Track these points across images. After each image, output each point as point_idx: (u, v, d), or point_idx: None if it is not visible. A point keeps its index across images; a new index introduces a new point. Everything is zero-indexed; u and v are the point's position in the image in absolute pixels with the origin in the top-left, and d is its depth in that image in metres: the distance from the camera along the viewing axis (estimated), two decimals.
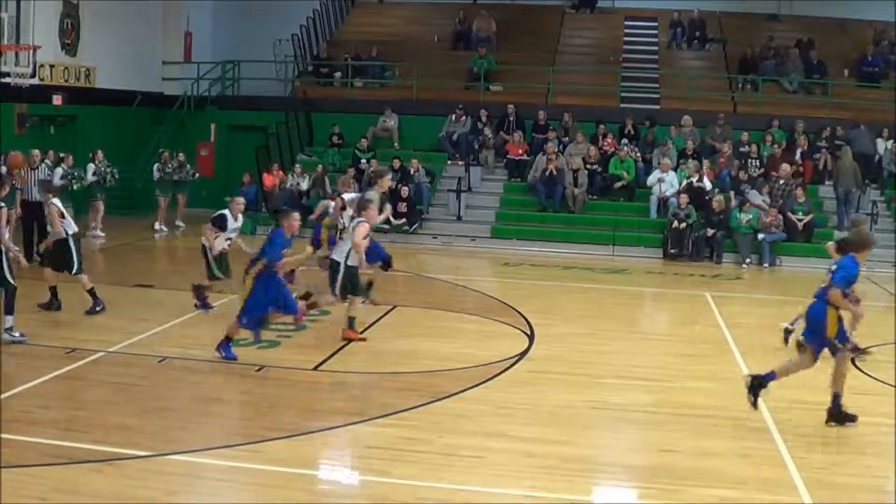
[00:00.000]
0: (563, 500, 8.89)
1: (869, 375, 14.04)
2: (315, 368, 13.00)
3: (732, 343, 15.75)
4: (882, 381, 13.68)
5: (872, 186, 28.40)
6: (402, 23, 36.39)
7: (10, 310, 13.54)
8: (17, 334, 13.53)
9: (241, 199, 16.90)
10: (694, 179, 26.92)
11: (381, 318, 16.41)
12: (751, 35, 34.07)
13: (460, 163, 29.16)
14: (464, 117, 30.20)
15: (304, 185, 27.75)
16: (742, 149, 28.85)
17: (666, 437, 10.81)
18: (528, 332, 15.70)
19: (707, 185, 26.90)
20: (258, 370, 12.67)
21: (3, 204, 13.50)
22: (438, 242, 26.42)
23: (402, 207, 26.50)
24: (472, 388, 12.29)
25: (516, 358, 14.00)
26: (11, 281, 13.46)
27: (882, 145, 29.33)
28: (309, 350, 13.90)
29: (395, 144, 30.50)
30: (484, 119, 30.27)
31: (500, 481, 9.24)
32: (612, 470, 9.94)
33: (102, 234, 24.59)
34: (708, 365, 14.48)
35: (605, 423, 11.46)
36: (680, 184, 27.11)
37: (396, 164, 27.80)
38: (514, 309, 17.53)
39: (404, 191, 26.70)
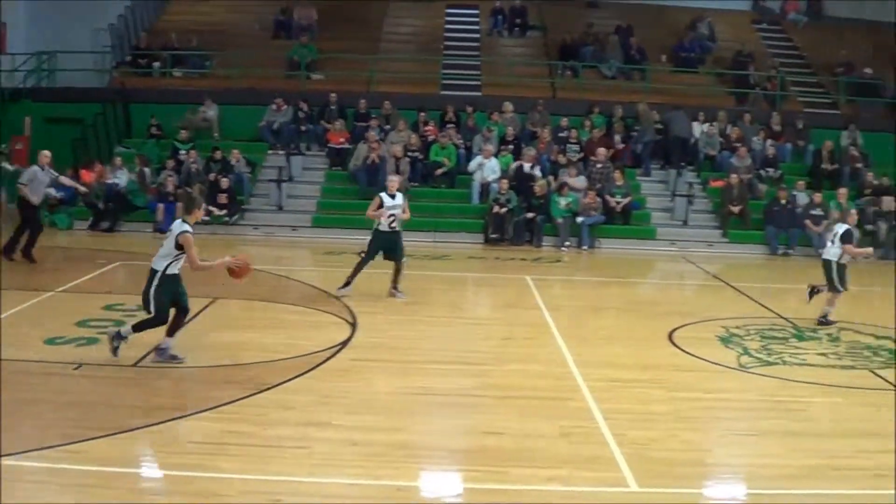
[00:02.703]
0: (388, 486, 8.91)
1: (687, 353, 14.49)
2: (135, 365, 12.74)
3: (553, 325, 16.00)
4: (702, 358, 14.15)
5: (689, 169, 29.24)
6: (223, 11, 35.95)
7: (141, 329, 12.87)
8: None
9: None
10: (527, 166, 27.33)
11: (201, 310, 16.17)
12: (570, 22, 34.69)
13: (281, 152, 29.00)
14: (284, 106, 29.99)
15: (123, 180, 27.16)
16: (561, 134, 29.34)
17: (490, 419, 10.94)
18: (351, 321, 15.69)
19: (538, 172, 27.33)
20: (76, 368, 12.38)
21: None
22: (259, 233, 26.23)
23: (223, 199, 26.26)
24: (295, 378, 12.22)
25: (339, 347, 13.97)
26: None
27: (698, 129, 30.23)
28: (128, 346, 13.62)
29: (216, 135, 30.08)
30: (305, 108, 30.13)
31: (326, 470, 9.21)
32: (437, 455, 9.99)
33: None
34: (530, 348, 14.69)
35: (430, 408, 11.52)
36: (504, 170, 27.44)
37: (217, 154, 27.51)
38: (336, 298, 17.52)
39: (224, 182, 26.44)
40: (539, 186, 26.62)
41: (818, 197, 27.47)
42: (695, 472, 9.73)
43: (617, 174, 27.53)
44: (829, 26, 37.80)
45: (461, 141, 29.12)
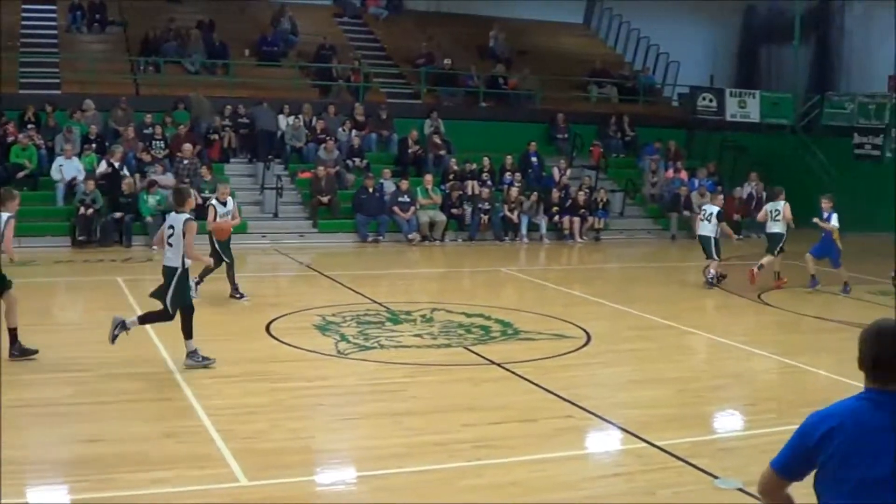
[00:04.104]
0: None
1: (285, 343, 14.76)
2: None
3: (149, 326, 15.79)
4: (300, 348, 14.54)
5: (277, 161, 29.60)
6: None
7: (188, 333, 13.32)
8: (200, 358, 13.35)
9: None
10: (114, 164, 26.82)
11: None
12: (151, 17, 34.15)
13: None
14: None
15: None
16: (146, 130, 28.98)
17: (92, 427, 10.75)
18: None
19: (125, 171, 26.87)
20: None
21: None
22: None
23: None
24: None
25: None
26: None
27: (284, 121, 30.65)
28: None
29: None
30: None
31: None
32: (39, 468, 9.66)
33: None
34: (128, 350, 14.34)
35: (27, 420, 11.09)
36: (89, 170, 26.78)
37: None
38: None
39: None
40: (127, 185, 26.19)
41: (404, 184, 28.47)
42: (304, 460, 9.98)
43: (204, 170, 27.51)
44: (410, 19, 39.24)
45: (42, 141, 28.14)
